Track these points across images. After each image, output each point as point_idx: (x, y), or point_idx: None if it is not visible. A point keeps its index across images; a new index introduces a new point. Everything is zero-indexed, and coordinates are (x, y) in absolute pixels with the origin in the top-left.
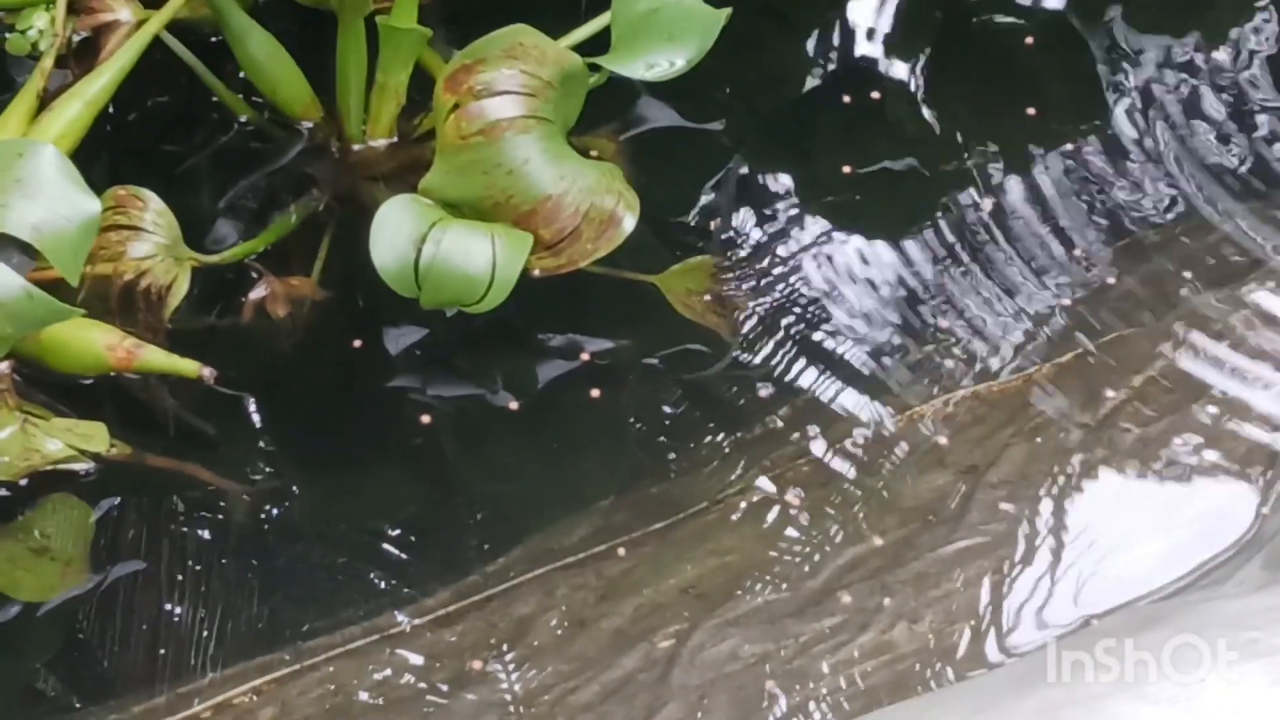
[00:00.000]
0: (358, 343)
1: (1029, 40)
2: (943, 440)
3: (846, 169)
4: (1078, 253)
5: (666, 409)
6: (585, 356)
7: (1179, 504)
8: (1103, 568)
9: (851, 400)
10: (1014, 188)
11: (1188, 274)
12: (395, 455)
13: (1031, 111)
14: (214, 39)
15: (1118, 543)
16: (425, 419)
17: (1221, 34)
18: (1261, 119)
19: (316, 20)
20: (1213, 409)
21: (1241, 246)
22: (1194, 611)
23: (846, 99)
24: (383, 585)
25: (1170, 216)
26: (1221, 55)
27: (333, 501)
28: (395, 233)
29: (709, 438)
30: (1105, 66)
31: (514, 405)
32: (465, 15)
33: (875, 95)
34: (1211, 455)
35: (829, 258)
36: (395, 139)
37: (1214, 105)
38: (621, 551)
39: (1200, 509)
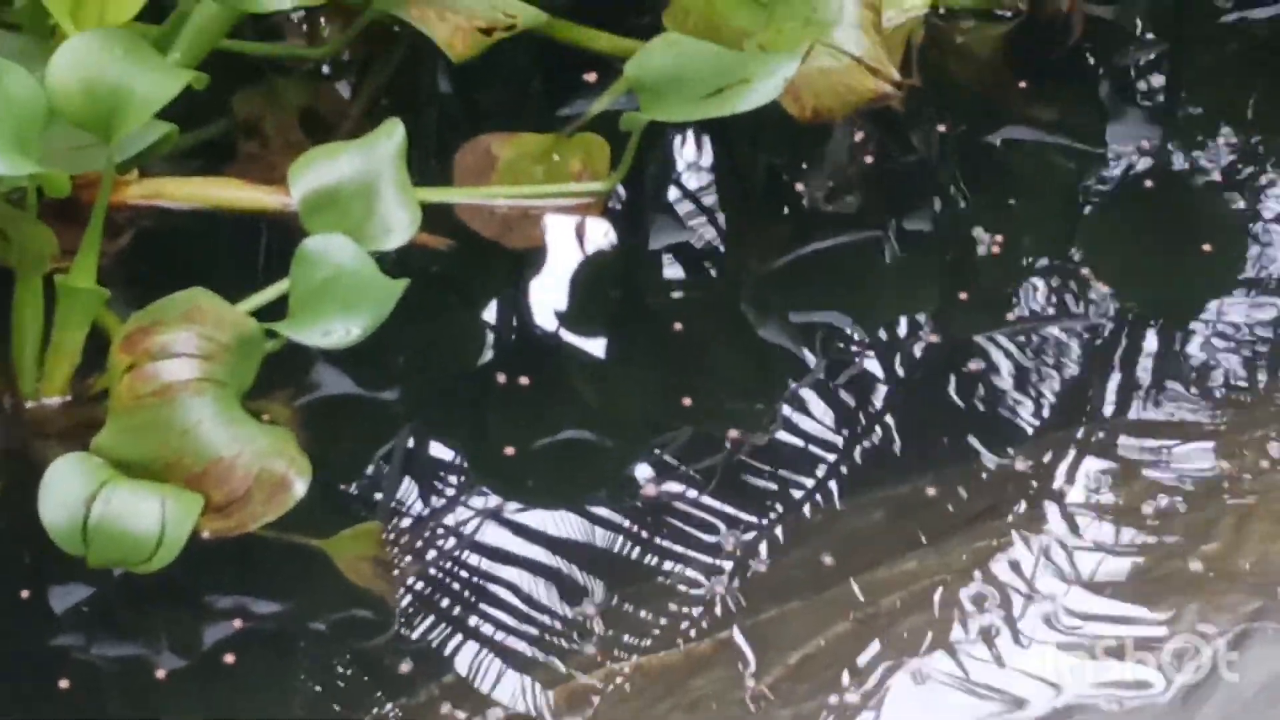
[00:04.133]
0: (25, 594)
1: (676, 328)
2: (599, 713)
3: (511, 450)
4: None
5: (331, 674)
6: (251, 620)
7: None
8: None
9: (506, 673)
10: (669, 473)
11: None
12: (55, 716)
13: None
14: None
15: None
16: (85, 678)
17: None
18: None
19: None
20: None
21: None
22: None
23: (521, 377)
24: None
25: None
26: None
27: None
28: (64, 491)
29: (372, 706)
30: None
31: (177, 666)
32: (144, 277)
33: (548, 372)
34: None
35: (496, 530)
36: (69, 397)
37: None
38: None
39: None
